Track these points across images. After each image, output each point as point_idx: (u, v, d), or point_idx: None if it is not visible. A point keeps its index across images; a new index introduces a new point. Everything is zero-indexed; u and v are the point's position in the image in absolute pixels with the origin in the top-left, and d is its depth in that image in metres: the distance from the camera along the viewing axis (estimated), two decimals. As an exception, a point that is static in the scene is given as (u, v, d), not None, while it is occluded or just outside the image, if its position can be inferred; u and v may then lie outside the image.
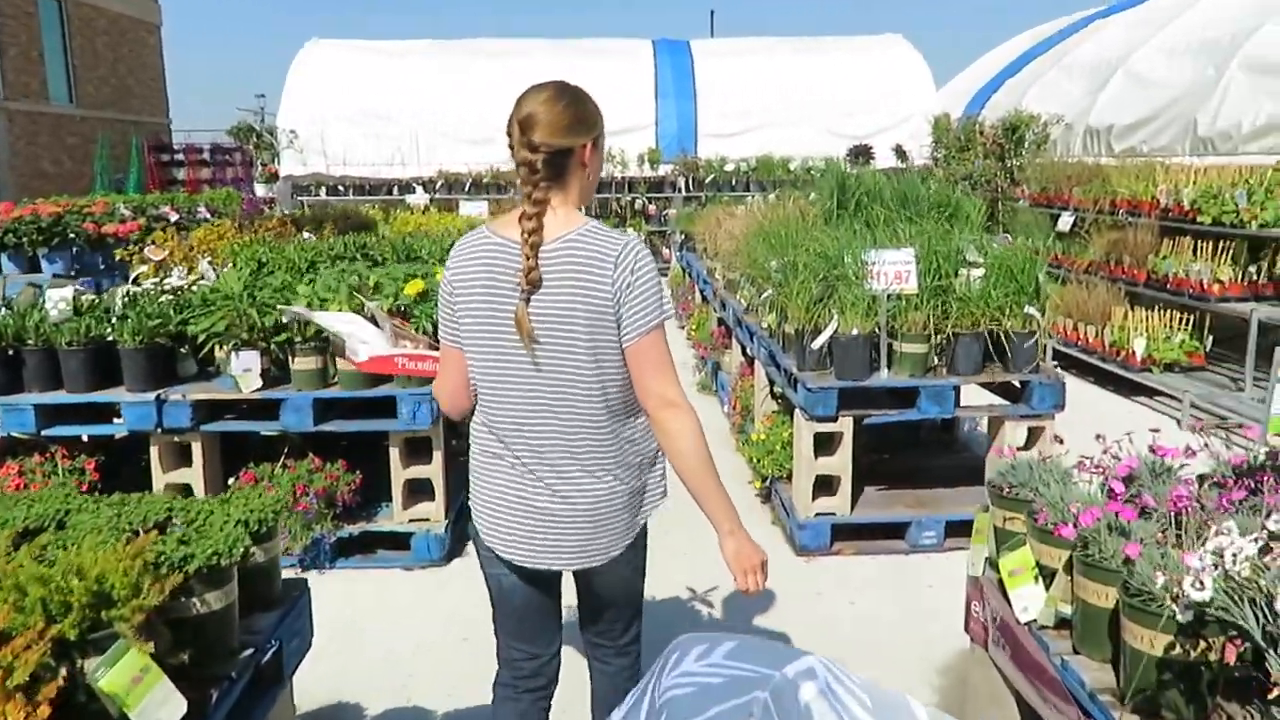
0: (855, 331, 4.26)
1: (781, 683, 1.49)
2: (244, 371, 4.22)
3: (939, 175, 11.46)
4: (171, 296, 4.67)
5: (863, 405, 4.39)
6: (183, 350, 4.47)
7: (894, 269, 4.33)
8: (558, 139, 2.07)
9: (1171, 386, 6.73)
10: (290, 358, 4.26)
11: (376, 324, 3.69)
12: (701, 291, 8.76)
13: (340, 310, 4.10)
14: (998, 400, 4.64)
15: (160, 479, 4.34)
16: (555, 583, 2.34)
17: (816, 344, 4.32)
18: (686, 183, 15.69)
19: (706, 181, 15.61)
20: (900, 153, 15.42)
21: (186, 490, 4.34)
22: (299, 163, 15.50)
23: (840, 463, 4.38)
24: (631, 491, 2.23)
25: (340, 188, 15.51)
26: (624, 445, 2.20)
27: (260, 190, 15.84)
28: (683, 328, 9.90)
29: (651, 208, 15.89)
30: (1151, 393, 7.05)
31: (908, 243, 4.50)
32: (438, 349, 2.30)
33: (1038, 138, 10.37)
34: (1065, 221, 8.71)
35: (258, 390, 4.25)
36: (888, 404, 4.48)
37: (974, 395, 4.49)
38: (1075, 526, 2.18)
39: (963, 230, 4.83)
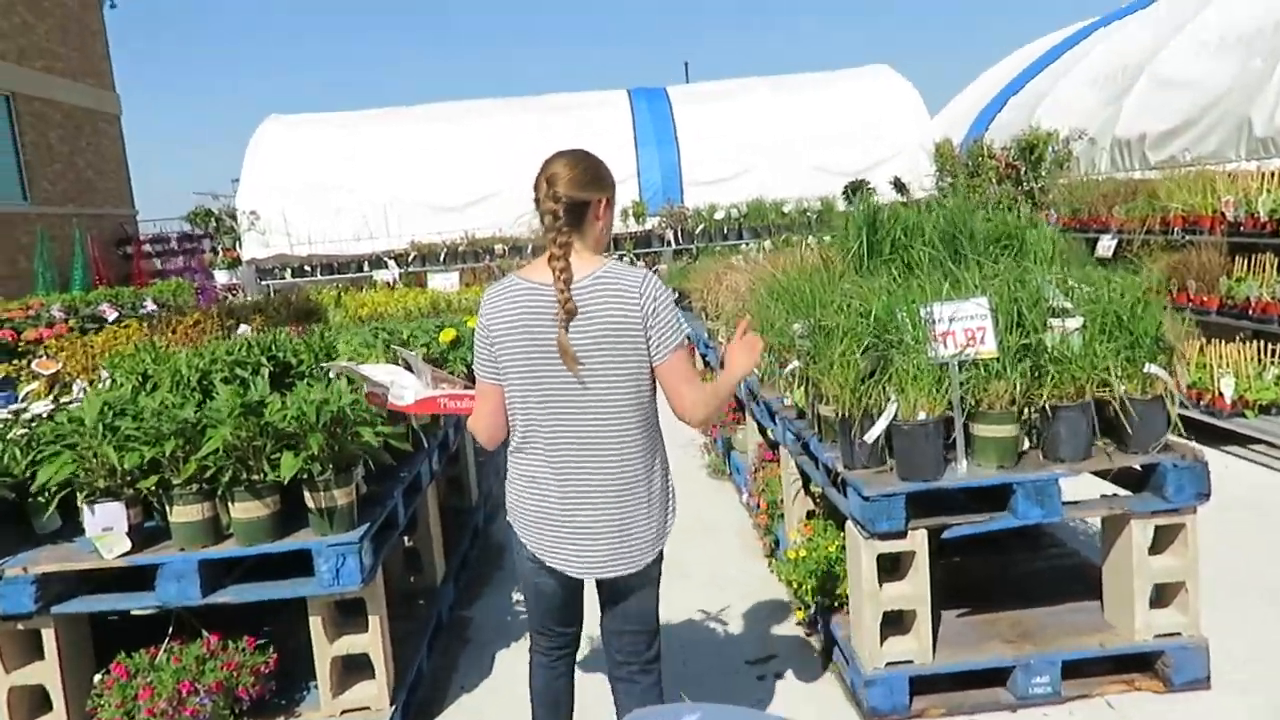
0: (922, 415, 3.17)
1: None
2: (103, 531, 3.13)
3: (950, 206, 10.50)
4: (26, 431, 3.59)
5: (939, 512, 3.30)
6: (41, 500, 3.37)
7: (964, 327, 3.26)
8: (577, 192, 2.42)
9: (1273, 433, 5.64)
10: (168, 507, 3.16)
11: (413, 371, 3.60)
12: (704, 357, 7.68)
13: (378, 363, 3.95)
14: (1115, 490, 3.53)
15: (2, 681, 3.22)
16: (582, 583, 2.63)
17: (871, 435, 3.23)
18: (675, 234, 14.71)
19: (696, 232, 14.63)
20: (899, 185, 14.47)
21: (38, 694, 3.23)
22: (261, 245, 14.52)
23: (914, 592, 3.27)
24: (659, 504, 2.58)
25: (306, 268, 14.51)
26: (653, 460, 2.56)
27: (223, 276, 14.84)
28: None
29: (640, 264, 14.88)
30: (1246, 440, 5.95)
31: (975, 290, 3.44)
32: (472, 389, 2.77)
33: (1059, 155, 9.40)
34: (1106, 245, 7.68)
35: (125, 555, 3.15)
36: (969, 507, 3.38)
37: (1082, 485, 3.42)
38: None
39: (1038, 267, 3.77)
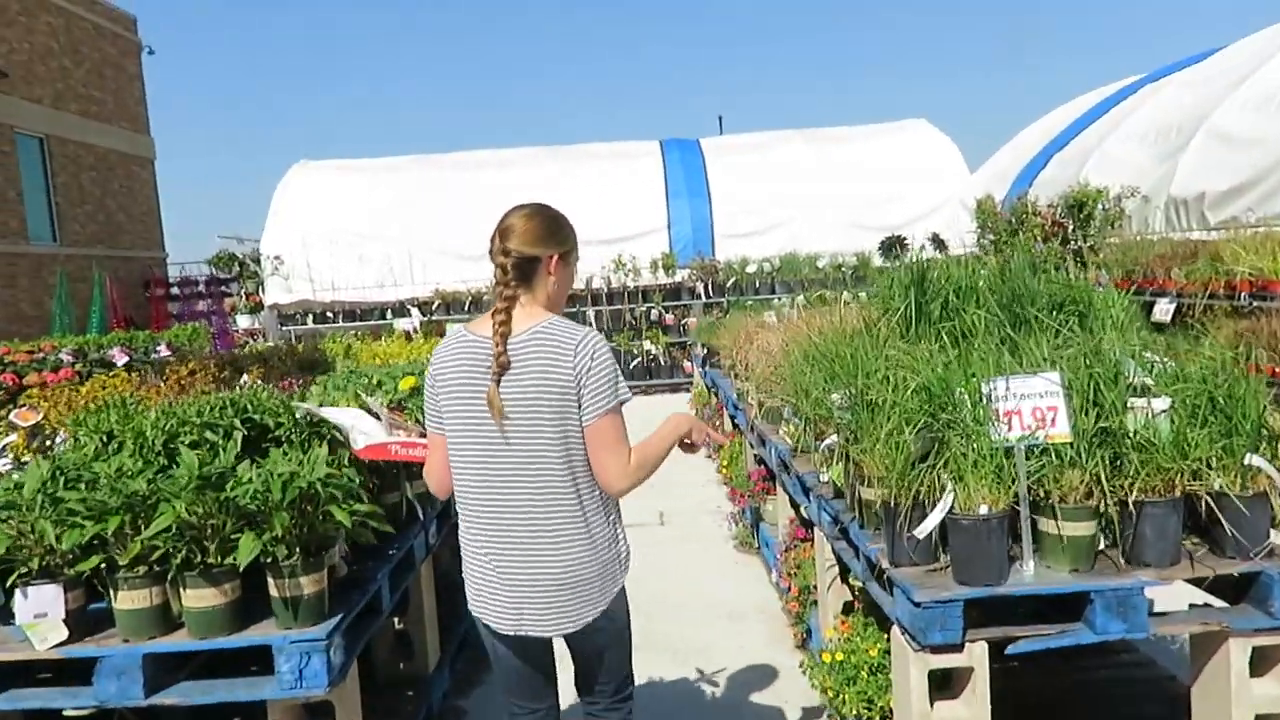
0: (984, 509, 2.72)
1: None
2: (35, 618, 2.73)
3: (992, 264, 10.07)
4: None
5: (1001, 621, 2.83)
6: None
7: (1032, 406, 2.82)
8: (527, 248, 2.44)
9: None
10: (112, 592, 2.76)
11: (376, 416, 3.61)
12: (732, 418, 7.25)
13: (348, 406, 3.86)
14: (1207, 599, 3.04)
15: (-81, 789, 2.81)
16: (546, 647, 2.59)
17: (923, 530, 2.77)
18: (705, 288, 14.35)
19: (727, 285, 14.27)
20: (938, 242, 14.06)
21: (-41, 805, 2.81)
22: (284, 290, 14.32)
23: (971, 714, 2.79)
24: (601, 561, 2.47)
25: (329, 314, 14.27)
26: (590, 517, 2.45)
27: (245, 321, 14.62)
28: (710, 458, 8.36)
29: (669, 317, 14.52)
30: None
31: (1044, 363, 3.00)
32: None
33: (1110, 214, 8.94)
34: (1164, 309, 7.18)
35: (60, 645, 2.75)
36: (1037, 615, 2.90)
37: (1168, 595, 2.93)
38: None
39: (1109, 337, 3.33)
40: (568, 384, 2.35)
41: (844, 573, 3.92)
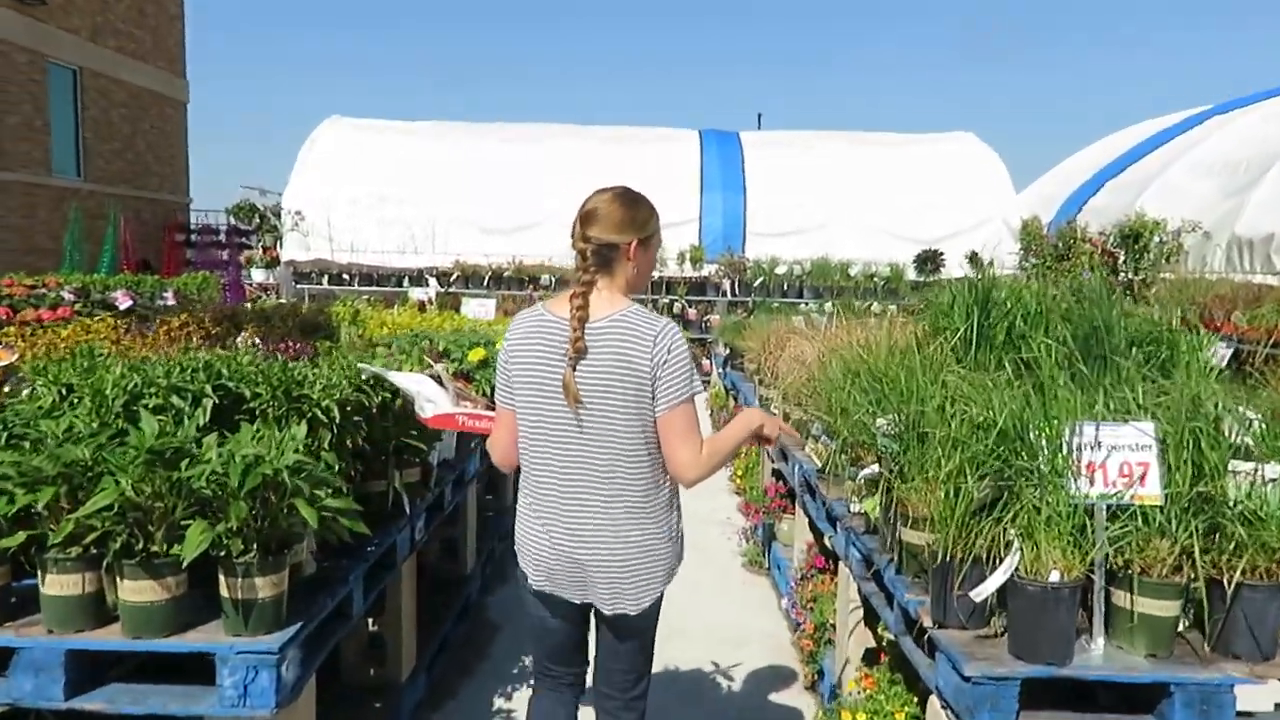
0: (1056, 575, 2.32)
1: None
2: (-52, 598, 2.37)
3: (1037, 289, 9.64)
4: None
5: (1060, 704, 2.43)
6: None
7: (1121, 460, 2.42)
8: (607, 234, 2.42)
9: None
10: (39, 575, 2.40)
11: (443, 385, 3.60)
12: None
13: (413, 371, 3.87)
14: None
15: None
16: (588, 618, 2.65)
17: (981, 592, 2.38)
18: (732, 285, 13.93)
19: (755, 285, 13.85)
20: (976, 261, 13.60)
21: None
22: (302, 247, 13.98)
23: (1017, 811, 2.40)
24: (664, 549, 2.52)
25: (345, 276, 13.93)
26: (657, 503, 2.49)
27: (260, 275, 14.29)
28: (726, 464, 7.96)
29: (692, 312, 14.12)
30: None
31: (1139, 410, 2.60)
32: (493, 410, 2.76)
33: (1167, 248, 8.48)
34: (1220, 354, 6.74)
35: (-26, 630, 2.39)
36: (1101, 701, 2.51)
37: (1254, 693, 2.53)
38: None
39: (1205, 386, 2.92)
40: (644, 373, 2.36)
41: (869, 615, 3.53)
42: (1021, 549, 2.37)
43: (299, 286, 13.85)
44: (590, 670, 2.75)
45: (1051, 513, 2.37)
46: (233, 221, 15.96)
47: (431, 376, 3.70)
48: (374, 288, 13.66)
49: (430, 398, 3.52)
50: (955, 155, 15.55)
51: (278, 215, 14.24)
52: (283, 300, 12.06)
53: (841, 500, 3.73)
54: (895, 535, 2.96)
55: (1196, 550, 2.36)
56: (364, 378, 3.29)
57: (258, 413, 2.92)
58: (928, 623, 2.61)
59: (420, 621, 3.99)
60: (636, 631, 2.57)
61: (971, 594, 2.39)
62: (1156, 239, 8.63)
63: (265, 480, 2.35)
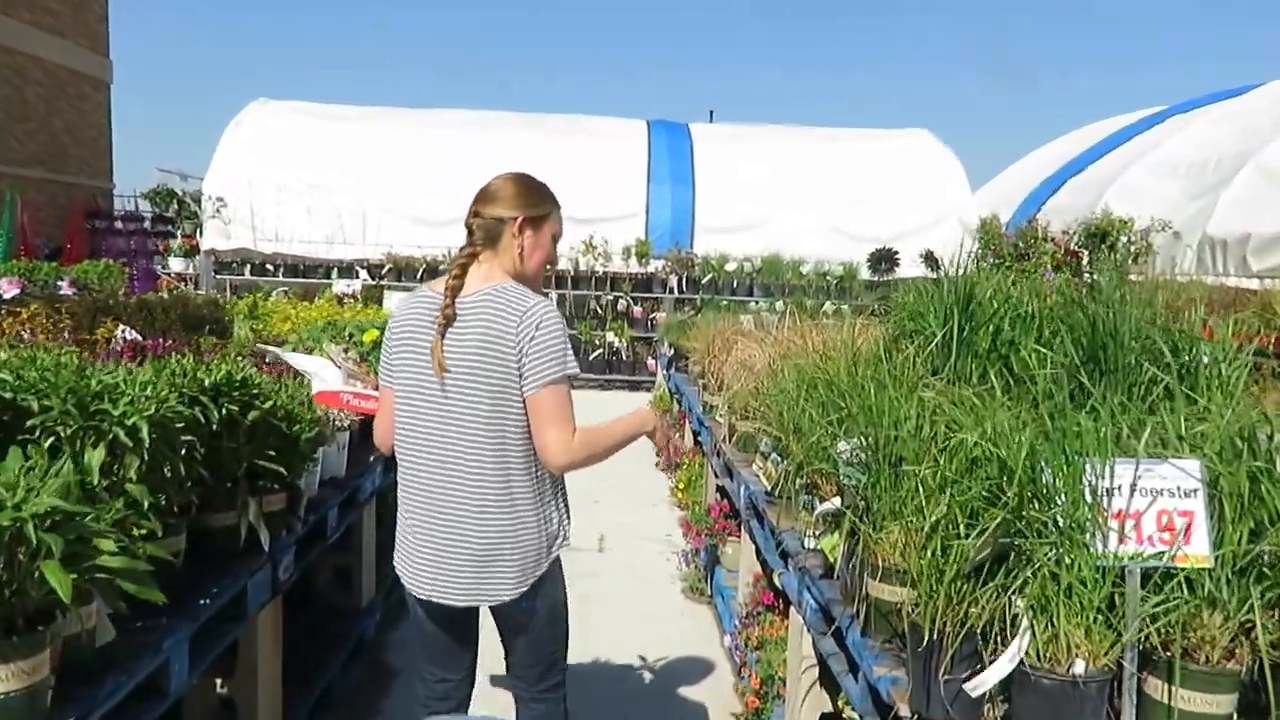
0: (1080, 664, 1.75)
1: None
2: None
3: (1063, 287, 9.22)
4: None
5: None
6: None
7: (1159, 509, 1.86)
8: (492, 209, 2.40)
9: None
10: None
11: (337, 366, 3.61)
12: (695, 434, 6.28)
13: (318, 356, 3.86)
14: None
15: None
16: (465, 616, 2.50)
17: (980, 685, 1.80)
18: (680, 282, 13.36)
19: (703, 282, 13.29)
20: (931, 260, 13.17)
21: None
22: (223, 235, 13.15)
23: None
24: (524, 540, 2.36)
25: (269, 266, 13.11)
26: (517, 493, 2.34)
27: (178, 265, 13.42)
28: (665, 473, 7.40)
29: (637, 309, 13.53)
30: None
31: (1180, 445, 2.04)
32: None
33: (1136, 248, 8.06)
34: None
35: None
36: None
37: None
38: None
39: (1239, 409, 2.37)
40: (508, 349, 2.28)
41: (825, 676, 2.96)
42: (1033, 627, 1.80)
43: (219, 277, 13.01)
44: (470, 677, 2.65)
45: (1073, 579, 1.80)
46: (142, 207, 14.99)
47: (328, 358, 3.71)
48: (300, 280, 12.87)
49: (324, 379, 3.51)
50: (910, 152, 15.14)
51: (198, 201, 13.38)
52: (202, 291, 11.26)
53: (793, 532, 3.16)
54: (862, 588, 2.38)
55: (1258, 627, 1.81)
56: (206, 386, 2.63)
57: (46, 430, 2.25)
58: (905, 710, 2.03)
59: (295, 671, 3.35)
60: (520, 626, 2.46)
61: (967, 687, 1.82)
62: (1124, 239, 8.21)
63: (9, 533, 1.70)
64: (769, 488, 3.67)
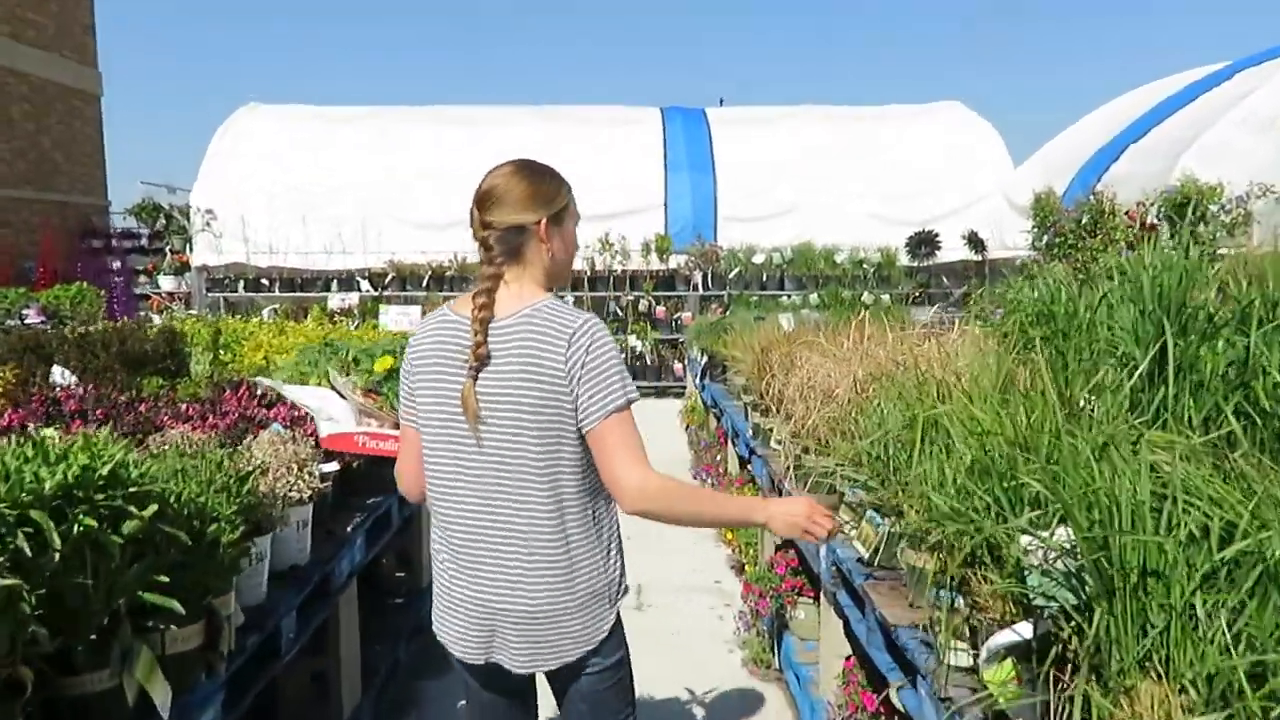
0: None
1: None
2: None
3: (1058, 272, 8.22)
4: None
5: None
6: None
7: None
8: (510, 215, 2.03)
9: None
10: None
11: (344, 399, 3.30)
12: (743, 460, 5.34)
13: (318, 385, 3.61)
14: None
15: None
16: (522, 684, 2.20)
17: None
18: (704, 278, 12.42)
19: (729, 277, 12.34)
20: (975, 242, 12.20)
21: None
22: (214, 250, 12.30)
23: None
24: (582, 592, 2.05)
25: (265, 281, 12.26)
26: (578, 542, 2.04)
27: (168, 283, 12.59)
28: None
29: (660, 310, 12.59)
30: None
31: None
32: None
33: (1232, 218, 7.06)
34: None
35: None
36: None
37: None
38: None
39: None
40: (558, 379, 1.94)
41: None
42: None
43: (212, 295, 12.18)
44: None
45: None
46: (131, 223, 14.15)
47: (334, 390, 3.38)
48: (299, 294, 12.03)
49: (332, 416, 3.19)
50: (943, 127, 14.13)
51: (186, 215, 12.54)
52: (193, 312, 10.42)
53: (914, 630, 2.27)
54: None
55: None
56: (46, 493, 1.73)
57: None
58: None
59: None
60: (584, 691, 2.13)
61: None
62: (1213, 207, 7.22)
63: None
64: (866, 555, 2.75)
